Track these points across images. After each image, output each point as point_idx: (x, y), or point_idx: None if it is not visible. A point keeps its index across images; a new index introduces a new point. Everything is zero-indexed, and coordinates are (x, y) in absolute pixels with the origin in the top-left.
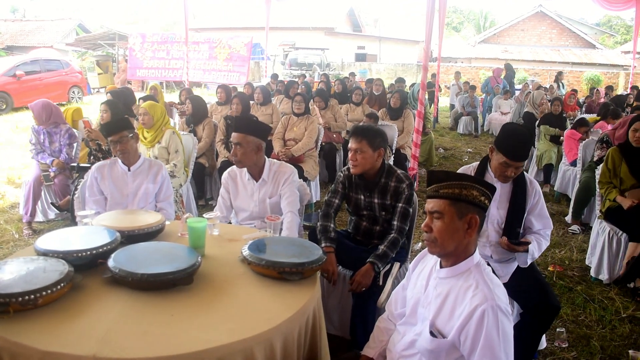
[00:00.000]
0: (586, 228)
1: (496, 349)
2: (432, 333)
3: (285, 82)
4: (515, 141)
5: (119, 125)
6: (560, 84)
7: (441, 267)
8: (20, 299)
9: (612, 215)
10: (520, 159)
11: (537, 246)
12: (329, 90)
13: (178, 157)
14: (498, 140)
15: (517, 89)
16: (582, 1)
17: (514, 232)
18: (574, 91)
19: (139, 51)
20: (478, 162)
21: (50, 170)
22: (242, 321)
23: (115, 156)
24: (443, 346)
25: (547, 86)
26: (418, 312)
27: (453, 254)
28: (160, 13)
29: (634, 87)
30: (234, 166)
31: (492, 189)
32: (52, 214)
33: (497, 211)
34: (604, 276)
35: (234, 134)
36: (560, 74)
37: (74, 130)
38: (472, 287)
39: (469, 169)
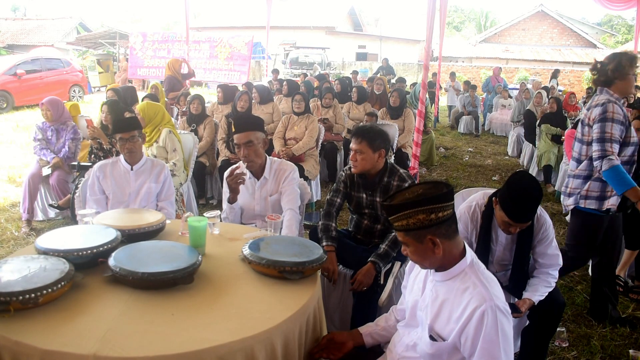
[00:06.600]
0: None
1: (495, 349)
2: (431, 337)
3: (286, 84)
4: (521, 202)
5: (131, 124)
6: (555, 82)
7: (436, 270)
8: (20, 297)
9: None
10: (526, 221)
11: (538, 292)
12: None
13: (176, 155)
14: (502, 197)
15: (516, 89)
16: (583, 1)
17: (522, 273)
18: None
19: (139, 50)
20: (485, 197)
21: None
22: (242, 320)
23: (120, 154)
24: (444, 349)
25: (549, 86)
26: (417, 315)
27: (440, 265)
28: (161, 12)
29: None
30: (235, 166)
31: (447, 197)
32: (53, 212)
33: (502, 253)
34: None
35: (241, 135)
36: (557, 71)
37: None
38: (469, 289)
39: (477, 197)
